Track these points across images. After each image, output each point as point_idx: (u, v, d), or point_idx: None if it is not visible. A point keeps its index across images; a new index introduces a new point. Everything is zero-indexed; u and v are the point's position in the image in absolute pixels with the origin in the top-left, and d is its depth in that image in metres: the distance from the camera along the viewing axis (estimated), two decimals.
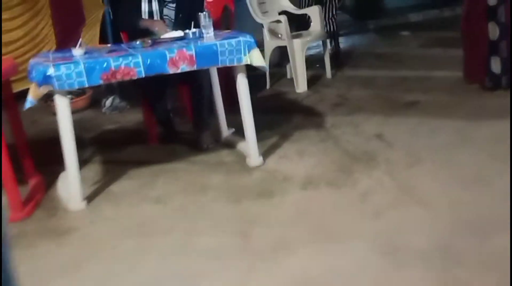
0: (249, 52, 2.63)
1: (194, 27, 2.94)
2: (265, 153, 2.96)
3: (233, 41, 2.61)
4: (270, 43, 4.40)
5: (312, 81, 4.45)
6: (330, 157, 2.82)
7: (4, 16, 4.72)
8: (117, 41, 3.44)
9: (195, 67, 2.54)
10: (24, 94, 2.53)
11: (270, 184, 2.58)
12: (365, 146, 2.92)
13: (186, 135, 3.41)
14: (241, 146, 3.06)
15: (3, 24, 4.71)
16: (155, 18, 3.13)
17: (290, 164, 2.81)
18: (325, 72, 4.64)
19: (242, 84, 2.76)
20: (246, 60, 2.64)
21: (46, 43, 4.97)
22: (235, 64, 2.64)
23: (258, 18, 4.34)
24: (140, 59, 2.42)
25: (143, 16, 3.13)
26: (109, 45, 2.73)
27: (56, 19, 4.95)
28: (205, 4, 3.33)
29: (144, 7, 3.13)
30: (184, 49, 2.50)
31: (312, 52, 5.53)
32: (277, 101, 4.20)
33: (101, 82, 2.39)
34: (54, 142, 2.63)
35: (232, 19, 4.03)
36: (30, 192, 2.77)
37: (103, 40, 4.83)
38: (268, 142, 3.16)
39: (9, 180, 2.47)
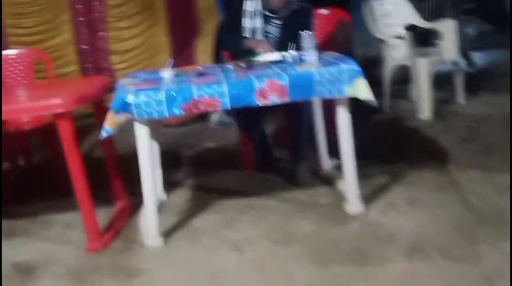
0: (353, 82, 2.22)
1: (297, 48, 2.59)
2: (368, 197, 2.53)
3: (334, 69, 2.22)
4: (391, 61, 3.90)
5: (438, 105, 3.86)
6: (448, 214, 2.30)
7: (122, 25, 4.81)
8: (219, 58, 3.22)
9: (287, 99, 2.20)
10: None
11: (367, 242, 2.15)
12: (498, 203, 2.34)
13: (284, 163, 3.09)
14: (341, 185, 2.66)
15: (120, 33, 4.81)
16: (257, 36, 2.85)
17: (397, 217, 2.35)
18: (455, 95, 4.01)
19: (343, 119, 2.35)
20: (349, 91, 2.23)
21: (161, 53, 4.97)
22: (335, 96, 2.25)
23: (378, 33, 3.86)
24: (225, 89, 2.14)
25: (246, 34, 2.86)
26: (200, 67, 2.50)
27: (172, 29, 4.93)
28: (313, 20, 2.96)
29: (247, 23, 2.86)
30: (275, 78, 2.17)
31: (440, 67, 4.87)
32: (394, 128, 3.69)
33: (182, 112, 2.15)
34: None
35: (350, 34, 3.61)
36: (113, 217, 2.66)
37: (216, 51, 4.70)
38: (374, 181, 2.71)
39: (87, 207, 2.35)
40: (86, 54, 4.83)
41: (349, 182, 2.43)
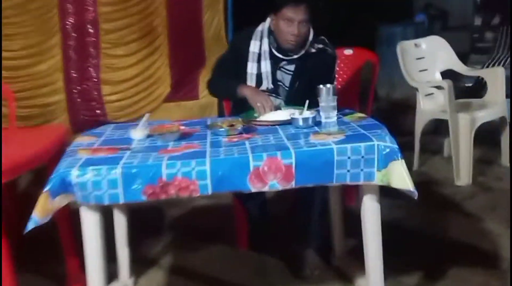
0: (387, 166, 1.60)
1: (312, 104, 1.99)
2: None
3: (361, 146, 1.60)
4: (425, 114, 3.27)
5: (479, 168, 3.21)
6: None
7: (117, 52, 4.26)
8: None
9: (292, 185, 1.58)
10: None
11: None
12: None
13: (284, 241, 2.44)
14: (360, 283, 2.03)
15: (115, 61, 4.26)
16: (264, 83, 2.25)
17: None
18: (499, 156, 3.36)
19: (369, 211, 1.73)
20: (381, 179, 1.61)
21: (160, 85, 4.41)
22: (361, 182, 1.63)
23: (412, 80, 3.24)
24: (207, 168, 1.53)
25: (248, 80, 2.26)
26: (182, 126, 1.90)
27: (173, 58, 4.37)
28: (335, 68, 2.35)
29: (251, 67, 2.26)
30: (278, 156, 1.56)
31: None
32: (424, 196, 3.02)
33: (144, 198, 1.54)
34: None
35: (375, 79, 3.00)
36: None
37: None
38: (402, 281, 2.07)
39: None
40: (75, 83, 4.27)
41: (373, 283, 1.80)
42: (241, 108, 2.19)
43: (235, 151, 1.61)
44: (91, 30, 4.20)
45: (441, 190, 3.06)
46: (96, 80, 4.27)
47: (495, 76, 3.21)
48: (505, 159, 3.32)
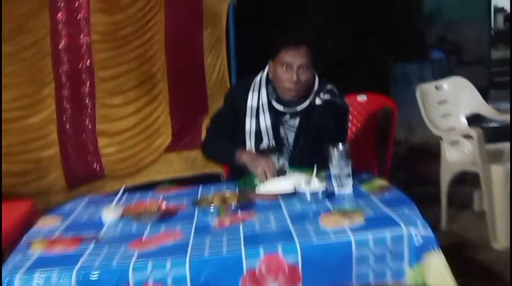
0: (420, 260, 1.24)
1: (321, 165, 1.65)
2: None
3: (387, 235, 1.24)
4: (451, 165, 2.90)
5: None
6: None
7: (114, 102, 3.98)
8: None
9: None
10: None
11: None
12: None
13: None
14: None
15: (111, 111, 3.99)
16: (264, 140, 1.92)
17: None
18: None
19: None
20: (413, 277, 1.24)
21: (160, 135, 4.11)
22: (389, 283, 1.26)
23: (435, 128, 2.89)
24: (186, 271, 1.18)
25: (247, 138, 1.94)
26: (164, 204, 1.57)
27: (174, 105, 4.08)
28: (348, 120, 2.02)
29: (249, 124, 1.94)
30: (280, 253, 1.21)
31: None
32: (457, 263, 2.63)
33: None
34: None
35: (394, 129, 2.66)
36: None
37: None
38: None
39: None
40: (69, 135, 3.98)
41: None
42: (240, 173, 1.85)
43: (225, 243, 1.27)
44: (86, 79, 3.94)
45: (476, 255, 2.66)
46: (92, 132, 3.99)
47: None
48: None
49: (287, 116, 1.93)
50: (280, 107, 1.90)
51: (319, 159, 1.86)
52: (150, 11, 3.95)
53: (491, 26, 8.00)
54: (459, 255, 2.63)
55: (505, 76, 7.56)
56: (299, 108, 1.89)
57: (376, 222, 1.31)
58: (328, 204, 1.50)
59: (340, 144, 1.66)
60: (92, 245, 1.32)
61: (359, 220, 1.33)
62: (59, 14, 3.73)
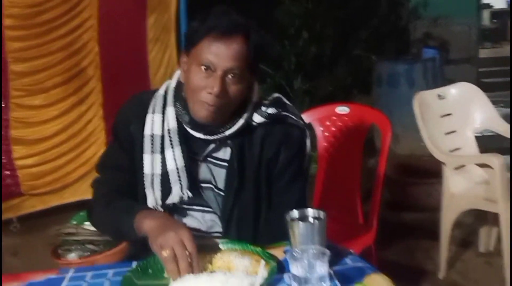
0: None
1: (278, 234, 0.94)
2: None
3: None
4: (457, 201, 2.19)
5: None
6: None
7: (35, 102, 3.19)
8: None
9: None
10: None
11: None
12: None
13: None
14: None
15: (33, 113, 3.18)
16: (174, 191, 1.18)
17: None
18: None
19: None
20: None
21: (91, 143, 3.33)
22: None
23: (439, 152, 2.18)
24: None
25: (147, 189, 1.20)
26: None
27: (109, 108, 3.30)
28: (307, 146, 1.25)
29: (150, 165, 1.20)
30: None
31: None
32: None
33: None
34: None
35: (384, 156, 1.93)
36: None
37: None
38: None
39: None
40: None
41: None
42: (144, 251, 1.09)
43: None
44: None
45: None
46: (4, 139, 3.18)
47: None
48: None
49: (211, 147, 1.19)
50: (197, 134, 1.17)
51: (272, 220, 1.17)
52: None
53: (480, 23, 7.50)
54: None
55: (492, 76, 7.03)
56: (229, 132, 1.16)
57: None
58: None
59: (311, 211, 0.95)
60: None
61: None
62: None
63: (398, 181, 3.11)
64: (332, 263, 0.93)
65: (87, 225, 2.42)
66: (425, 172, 3.05)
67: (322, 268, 0.86)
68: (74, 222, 2.44)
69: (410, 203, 3.09)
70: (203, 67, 1.10)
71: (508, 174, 1.96)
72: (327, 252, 0.87)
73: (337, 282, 0.93)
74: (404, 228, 2.91)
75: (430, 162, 2.86)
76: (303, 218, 0.96)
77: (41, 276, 1.08)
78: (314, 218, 0.96)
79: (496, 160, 1.92)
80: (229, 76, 1.10)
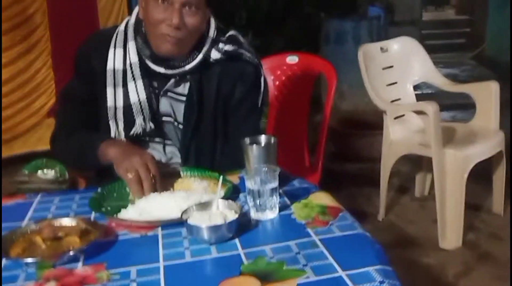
0: None
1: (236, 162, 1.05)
2: None
3: None
4: (396, 147, 2.38)
5: (468, 220, 2.34)
6: None
7: None
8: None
9: None
10: None
11: None
12: None
13: None
14: None
15: None
16: (137, 122, 1.25)
17: None
18: (491, 203, 2.53)
19: None
20: None
21: (41, 94, 3.29)
22: None
23: (380, 101, 2.34)
24: None
25: (110, 121, 1.27)
26: None
27: (58, 57, 3.25)
28: (262, 82, 1.34)
29: (112, 98, 1.26)
30: None
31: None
32: (398, 267, 2.15)
33: None
34: None
35: (329, 104, 2.05)
36: None
37: None
38: None
39: None
40: None
41: None
42: (109, 176, 1.17)
43: None
44: None
45: (418, 257, 2.19)
46: None
47: (487, 94, 2.36)
48: (497, 207, 2.49)
49: (171, 81, 1.26)
50: (158, 68, 1.23)
51: (228, 151, 1.27)
52: None
53: None
54: (396, 252, 2.16)
55: (435, 39, 7.32)
56: (189, 66, 1.23)
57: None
58: (239, 251, 0.87)
59: (264, 137, 1.05)
60: None
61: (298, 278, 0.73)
62: None
63: (343, 133, 3.28)
64: (281, 184, 1.04)
65: (41, 174, 2.45)
66: (367, 125, 3.23)
67: (273, 183, 0.97)
68: (26, 172, 2.46)
69: (354, 154, 3.28)
70: (160, 1, 1.15)
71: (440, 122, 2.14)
72: (277, 168, 0.98)
73: (286, 198, 1.05)
74: (348, 177, 3.09)
75: (372, 115, 3.05)
76: (256, 142, 1.06)
77: (10, 201, 1.14)
78: (266, 142, 1.06)
79: (431, 107, 2.08)
80: (186, 8, 1.15)
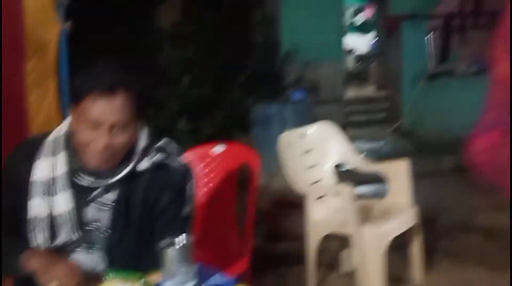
0: None
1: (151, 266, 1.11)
2: None
3: None
4: (318, 227, 2.52)
5: None
6: None
7: None
8: None
9: None
10: None
11: None
12: None
13: None
14: None
15: None
16: (62, 234, 1.30)
17: None
18: (413, 274, 2.68)
19: None
20: None
21: None
22: None
23: (298, 185, 2.51)
24: None
25: (36, 232, 1.30)
26: None
27: None
28: (190, 187, 1.44)
29: (38, 207, 1.30)
30: None
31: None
32: None
33: None
34: None
35: (253, 194, 2.18)
36: None
37: None
38: None
39: None
40: None
41: None
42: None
43: None
44: None
45: None
46: None
47: (398, 172, 2.59)
48: (417, 273, 2.65)
49: (99, 190, 1.32)
50: (88, 179, 1.29)
51: (151, 256, 1.32)
52: None
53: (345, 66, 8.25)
54: None
55: (358, 114, 7.78)
56: (118, 177, 1.30)
57: None
58: None
59: (177, 240, 1.13)
60: None
61: None
62: None
63: (272, 214, 3.41)
64: (201, 281, 1.12)
65: None
66: (294, 204, 3.38)
67: (190, 283, 1.05)
68: None
69: (284, 234, 3.39)
70: (88, 123, 1.22)
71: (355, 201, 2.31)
72: (194, 268, 1.06)
73: None
74: (279, 256, 3.17)
75: (298, 195, 3.21)
76: (172, 245, 1.13)
77: None
78: (180, 244, 1.13)
79: (346, 189, 2.27)
80: (116, 128, 1.23)
